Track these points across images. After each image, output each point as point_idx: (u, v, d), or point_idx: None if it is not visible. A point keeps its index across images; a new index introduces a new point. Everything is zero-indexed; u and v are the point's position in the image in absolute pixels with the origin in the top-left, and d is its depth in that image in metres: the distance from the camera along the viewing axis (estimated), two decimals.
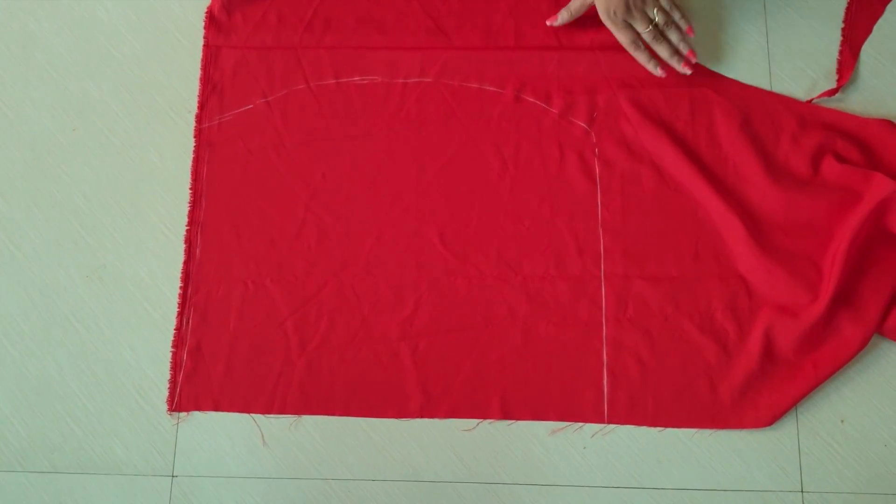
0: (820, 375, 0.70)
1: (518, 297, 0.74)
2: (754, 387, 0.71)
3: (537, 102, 0.80)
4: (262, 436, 0.73)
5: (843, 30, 0.81)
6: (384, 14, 0.83)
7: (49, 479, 0.73)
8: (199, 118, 0.81)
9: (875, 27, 0.81)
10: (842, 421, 0.71)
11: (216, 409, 0.73)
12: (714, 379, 0.72)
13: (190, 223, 0.78)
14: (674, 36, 0.77)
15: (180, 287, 0.76)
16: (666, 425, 0.71)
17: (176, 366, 0.75)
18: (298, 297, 0.75)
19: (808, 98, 0.79)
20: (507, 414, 0.72)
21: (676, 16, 0.77)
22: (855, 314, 0.71)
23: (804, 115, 0.78)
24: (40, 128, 0.82)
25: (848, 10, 0.82)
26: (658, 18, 0.76)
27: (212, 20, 0.83)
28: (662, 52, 0.77)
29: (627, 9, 0.74)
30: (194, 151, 0.80)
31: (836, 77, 0.80)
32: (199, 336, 0.75)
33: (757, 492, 0.70)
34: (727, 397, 0.71)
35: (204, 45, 0.83)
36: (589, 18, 0.79)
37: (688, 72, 0.77)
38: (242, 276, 0.76)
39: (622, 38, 0.76)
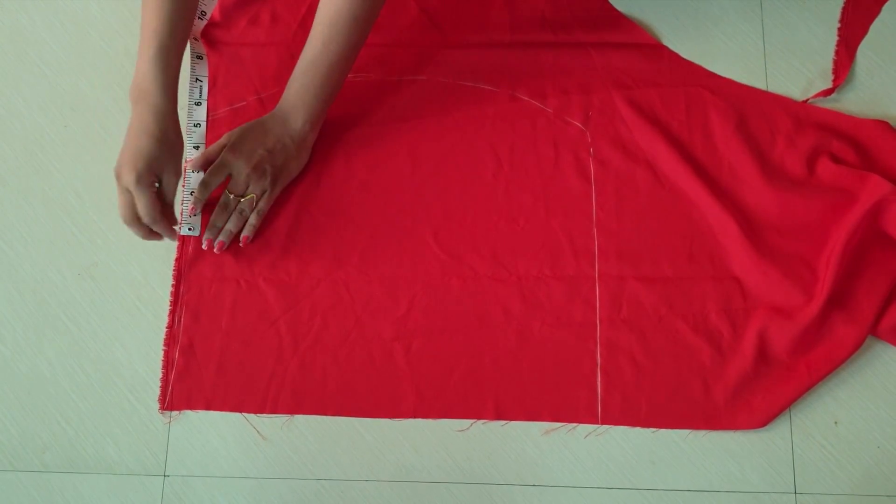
0: (814, 377, 0.70)
1: (512, 297, 0.74)
2: (748, 388, 0.71)
3: (532, 101, 0.79)
4: (258, 434, 0.72)
5: (839, 29, 0.81)
6: None
7: (40, 478, 0.73)
8: None
9: (871, 27, 0.81)
10: (835, 422, 0.71)
11: (208, 408, 0.73)
12: (708, 380, 0.71)
13: (181, 221, 0.77)
14: (235, 220, 0.74)
15: (172, 285, 0.76)
16: (659, 426, 0.71)
17: (168, 364, 0.74)
18: (291, 296, 0.75)
19: (804, 98, 0.79)
20: (500, 414, 0.72)
21: (253, 218, 0.74)
22: (849, 316, 0.71)
23: (800, 115, 0.78)
24: (31, 124, 0.82)
25: (844, 9, 0.82)
26: (249, 195, 0.73)
27: None
28: (222, 220, 0.74)
29: (249, 166, 0.72)
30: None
31: (832, 77, 0.80)
32: (192, 335, 0.74)
33: (750, 493, 0.70)
34: (721, 398, 0.71)
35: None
36: (580, 5, 0.78)
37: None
38: (235, 274, 0.76)
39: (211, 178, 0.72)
